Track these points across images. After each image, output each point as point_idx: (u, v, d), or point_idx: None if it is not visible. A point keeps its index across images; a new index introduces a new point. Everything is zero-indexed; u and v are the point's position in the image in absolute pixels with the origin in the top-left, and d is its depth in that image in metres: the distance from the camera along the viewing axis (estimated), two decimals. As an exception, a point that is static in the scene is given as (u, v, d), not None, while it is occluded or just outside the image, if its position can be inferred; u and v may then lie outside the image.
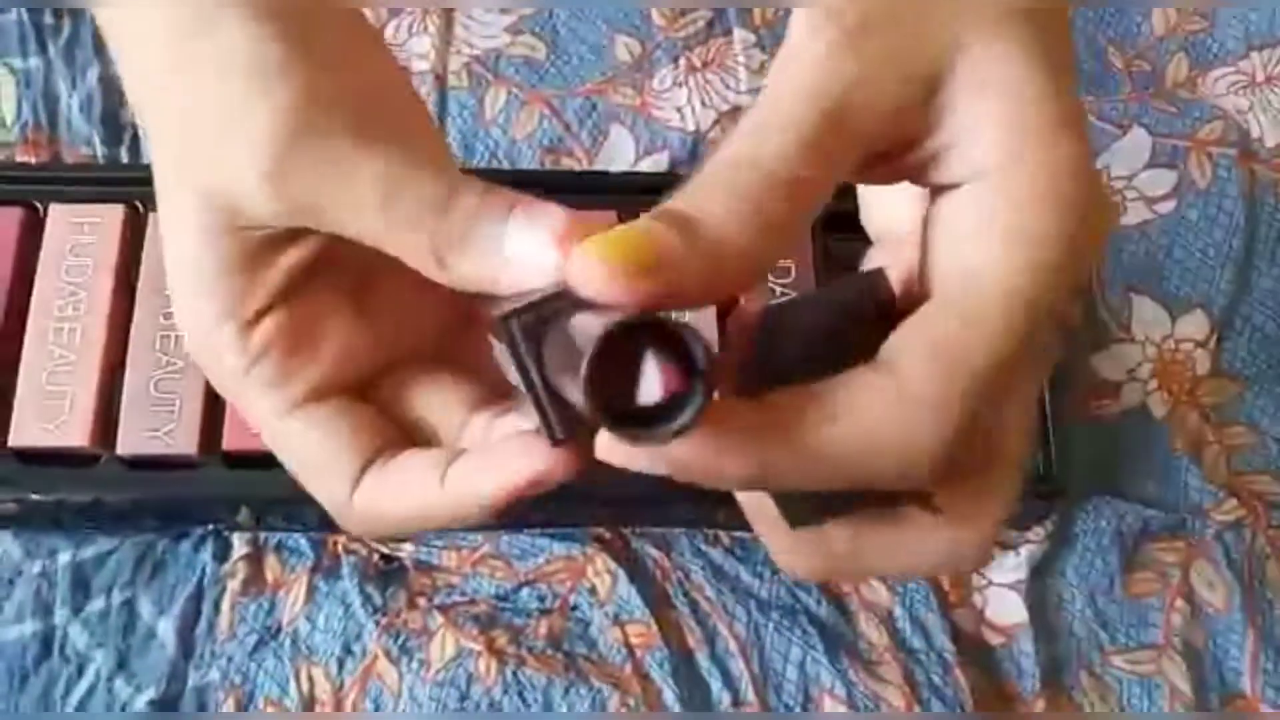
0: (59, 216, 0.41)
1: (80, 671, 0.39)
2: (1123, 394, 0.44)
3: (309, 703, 0.38)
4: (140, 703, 0.38)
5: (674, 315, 0.18)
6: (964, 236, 0.20)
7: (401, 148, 0.22)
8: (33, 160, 0.46)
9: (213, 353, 0.24)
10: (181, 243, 0.24)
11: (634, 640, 0.39)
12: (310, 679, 0.39)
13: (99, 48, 0.47)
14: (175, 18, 0.23)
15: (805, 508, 0.22)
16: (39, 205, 0.41)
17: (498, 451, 0.22)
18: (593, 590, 0.40)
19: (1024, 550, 0.41)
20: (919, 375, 0.19)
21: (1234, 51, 0.48)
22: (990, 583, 0.41)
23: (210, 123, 0.23)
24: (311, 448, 0.24)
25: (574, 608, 0.40)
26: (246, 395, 0.25)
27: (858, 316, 0.20)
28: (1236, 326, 0.44)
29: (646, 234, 0.18)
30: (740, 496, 0.23)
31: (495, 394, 0.25)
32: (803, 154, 0.19)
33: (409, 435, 0.25)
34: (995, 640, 0.40)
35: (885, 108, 0.20)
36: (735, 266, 0.19)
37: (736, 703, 0.39)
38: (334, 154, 0.22)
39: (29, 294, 0.40)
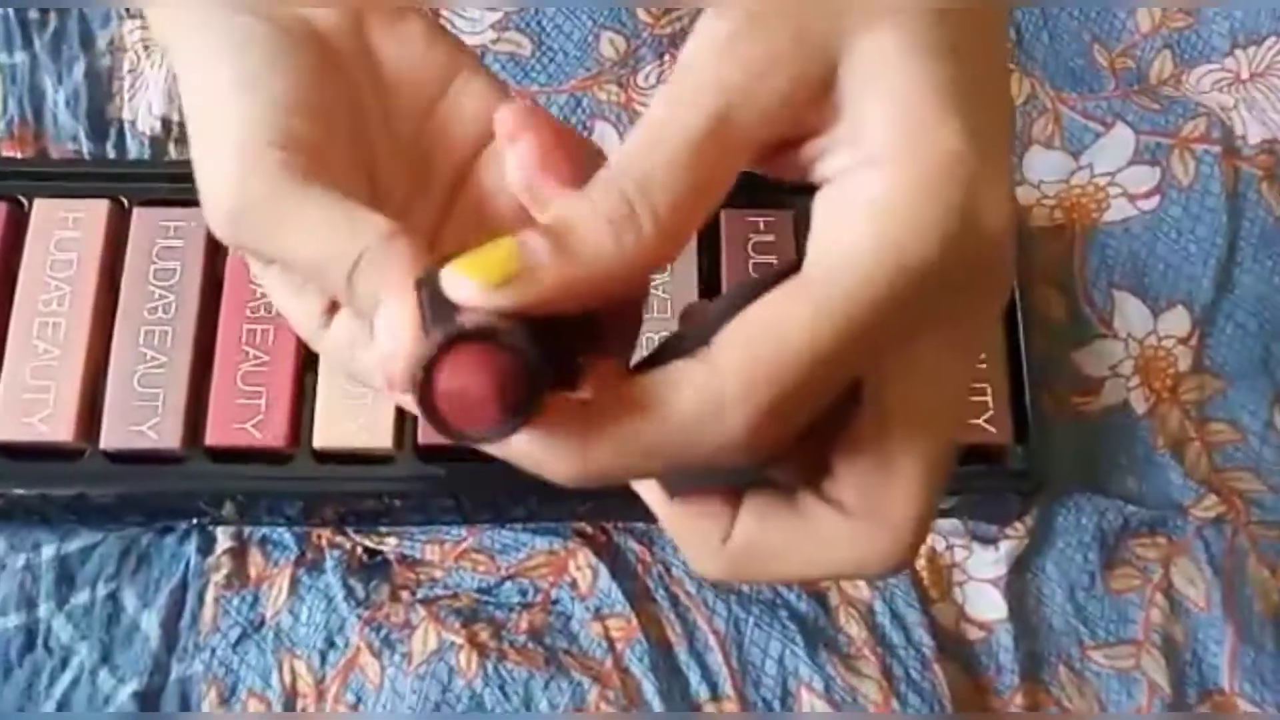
0: (43, 211, 0.41)
1: (64, 664, 0.39)
2: (1104, 390, 0.44)
3: (291, 695, 0.39)
4: (123, 695, 0.38)
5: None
6: (827, 226, 0.20)
7: (334, 198, 0.23)
8: (18, 155, 0.46)
9: (314, 346, 0.26)
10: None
11: (614, 634, 0.39)
12: (293, 671, 0.39)
13: (85, 43, 0.47)
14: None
15: (680, 480, 0.22)
16: (24, 200, 0.42)
17: None
18: (574, 584, 0.40)
19: (1004, 546, 0.41)
20: (726, 362, 0.19)
21: (1218, 49, 0.48)
22: (970, 578, 0.41)
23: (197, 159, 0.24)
24: None
25: (555, 602, 0.40)
26: (357, 375, 0.26)
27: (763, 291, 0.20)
28: (1219, 323, 0.44)
29: (516, 247, 0.19)
30: (648, 502, 0.23)
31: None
32: (690, 162, 0.19)
33: None
34: (974, 635, 0.41)
35: (774, 111, 0.20)
36: (614, 277, 0.19)
37: (715, 696, 0.39)
38: (276, 207, 0.23)
39: (13, 289, 0.40)
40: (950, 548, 0.42)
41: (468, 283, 0.19)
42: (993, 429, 0.40)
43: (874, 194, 0.19)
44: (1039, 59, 0.48)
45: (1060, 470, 0.42)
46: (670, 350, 0.20)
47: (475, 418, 0.18)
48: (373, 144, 0.26)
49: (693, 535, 0.22)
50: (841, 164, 0.20)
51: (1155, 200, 0.46)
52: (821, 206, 0.20)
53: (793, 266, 0.20)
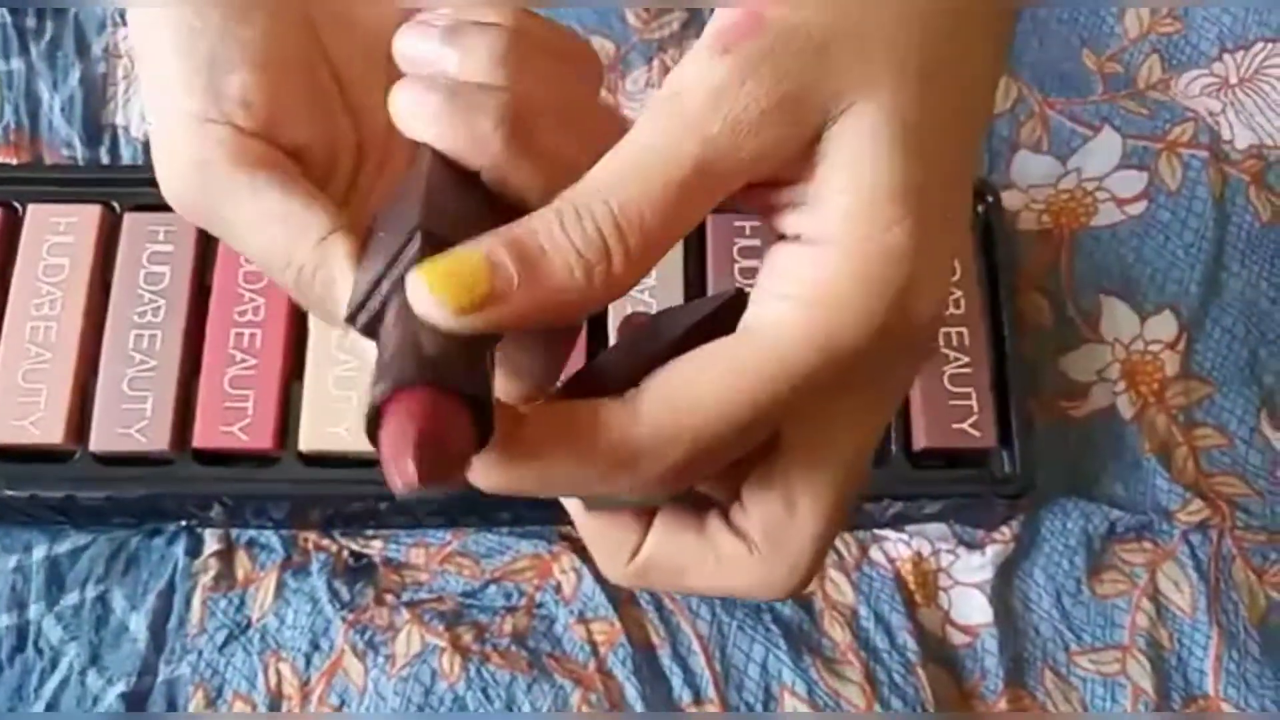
0: (37, 216, 0.42)
1: (54, 664, 0.39)
2: (1091, 395, 0.44)
3: (276, 697, 0.39)
4: (111, 696, 0.39)
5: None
6: (771, 292, 0.21)
7: (276, 191, 0.22)
8: (14, 161, 0.46)
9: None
10: None
11: (597, 637, 0.39)
12: (278, 674, 0.39)
13: (80, 50, 0.48)
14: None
15: (597, 499, 0.23)
16: (18, 205, 0.42)
17: None
18: (558, 588, 0.40)
19: (990, 550, 0.41)
20: (647, 414, 0.20)
21: (1207, 54, 0.48)
22: (956, 582, 0.41)
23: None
24: None
25: (539, 605, 0.40)
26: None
27: (710, 334, 0.21)
28: (1206, 328, 0.44)
29: (485, 266, 0.19)
30: (567, 508, 0.24)
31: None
32: (669, 202, 0.20)
33: None
34: (959, 640, 0.41)
35: (757, 161, 0.20)
36: (578, 304, 0.20)
37: (697, 700, 0.39)
38: (219, 202, 0.22)
39: (6, 292, 0.41)
40: (936, 552, 0.42)
41: (435, 304, 0.19)
42: (977, 433, 0.40)
43: (817, 276, 0.20)
44: (1027, 63, 0.48)
45: (1047, 475, 0.42)
46: (603, 372, 0.21)
47: (408, 474, 0.18)
48: (345, 85, 0.25)
49: (604, 545, 0.23)
50: (799, 226, 0.21)
51: (1143, 205, 0.46)
52: (770, 268, 0.21)
53: (732, 303, 0.21)
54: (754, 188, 0.21)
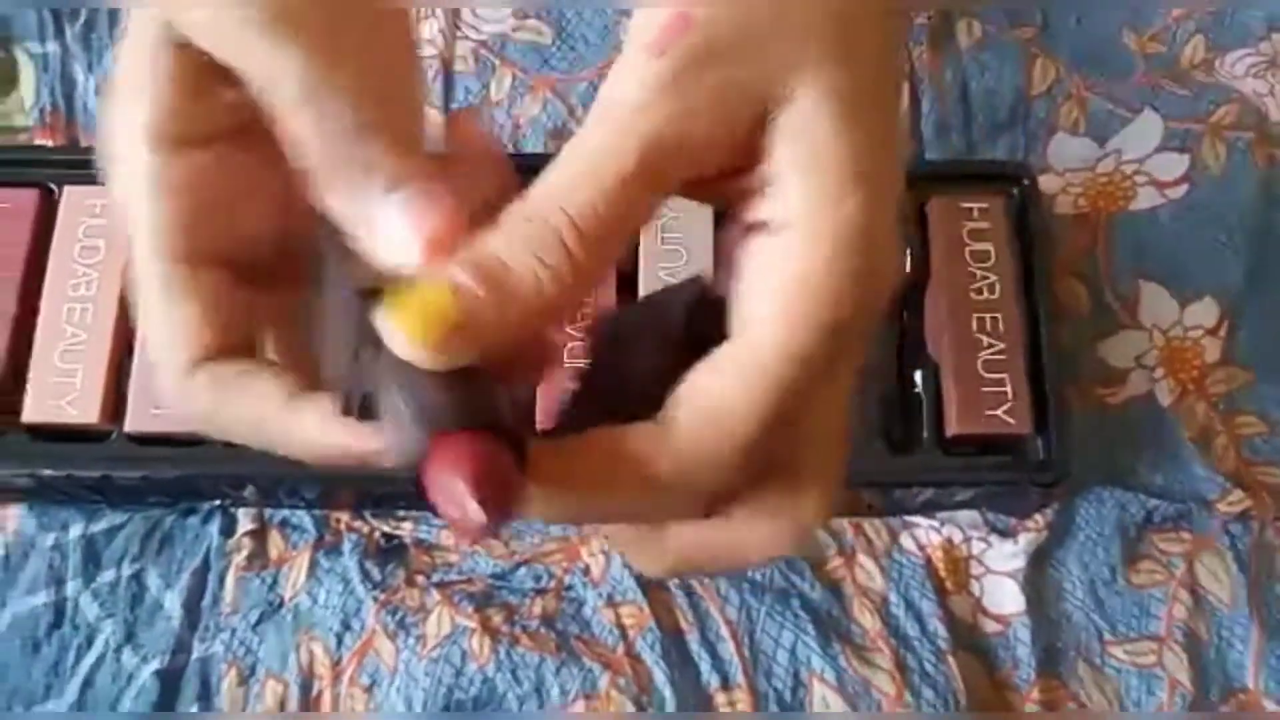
0: (72, 198, 0.42)
1: (90, 641, 0.40)
2: (1129, 382, 0.43)
3: (308, 676, 0.39)
4: (146, 673, 0.39)
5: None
6: (756, 287, 0.21)
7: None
8: (50, 143, 0.47)
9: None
10: None
11: (626, 621, 0.39)
12: (310, 653, 0.40)
13: (115, 32, 0.48)
14: None
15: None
16: (54, 187, 0.42)
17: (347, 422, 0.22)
18: (587, 571, 0.40)
19: (1023, 538, 0.41)
20: (684, 434, 0.21)
21: (1254, 32, 0.47)
22: (989, 570, 0.41)
23: None
24: (168, 308, 0.23)
25: (568, 588, 0.40)
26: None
27: (702, 329, 0.22)
28: (1248, 314, 0.43)
29: (449, 293, 0.19)
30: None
31: None
32: (619, 200, 0.20)
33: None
34: (991, 629, 0.40)
35: (699, 154, 0.21)
36: (548, 312, 0.20)
37: (726, 685, 0.39)
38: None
39: (43, 274, 0.41)
40: (968, 540, 0.41)
41: (412, 345, 0.19)
42: (1012, 420, 0.39)
43: (790, 264, 0.21)
44: (1065, 43, 0.47)
45: (1083, 463, 0.41)
46: (615, 389, 0.22)
47: (473, 526, 0.18)
48: None
49: (636, 546, 0.25)
50: (760, 214, 0.21)
51: (1184, 188, 0.45)
52: (747, 264, 0.22)
53: (703, 296, 0.22)
54: (714, 181, 0.22)
